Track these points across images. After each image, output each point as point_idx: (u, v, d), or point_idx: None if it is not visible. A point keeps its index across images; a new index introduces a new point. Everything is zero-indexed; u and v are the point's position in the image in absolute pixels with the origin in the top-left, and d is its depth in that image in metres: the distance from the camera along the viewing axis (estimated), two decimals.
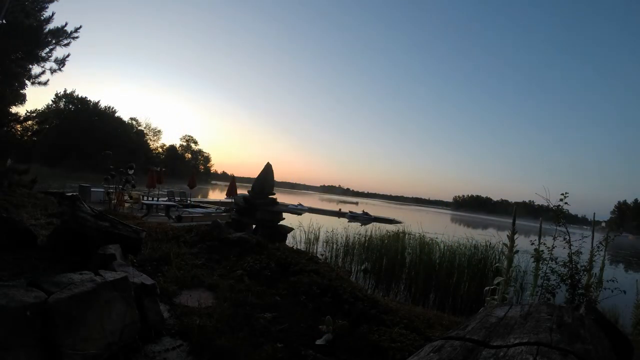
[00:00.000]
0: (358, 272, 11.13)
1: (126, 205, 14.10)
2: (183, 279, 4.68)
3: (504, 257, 4.82)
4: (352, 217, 37.01)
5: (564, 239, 4.07)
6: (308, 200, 61.69)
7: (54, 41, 9.16)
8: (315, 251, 12.22)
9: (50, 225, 5.87)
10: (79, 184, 18.97)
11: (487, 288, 4.66)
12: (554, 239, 4.09)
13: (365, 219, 35.03)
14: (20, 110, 9.81)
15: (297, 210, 34.95)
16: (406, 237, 12.77)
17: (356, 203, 79.00)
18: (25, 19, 8.50)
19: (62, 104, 41.09)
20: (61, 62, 9.57)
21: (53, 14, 9.16)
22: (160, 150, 65.27)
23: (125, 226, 4.86)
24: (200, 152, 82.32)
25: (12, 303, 2.36)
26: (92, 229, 4.19)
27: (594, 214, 5.02)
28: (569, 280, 3.97)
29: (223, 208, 18.40)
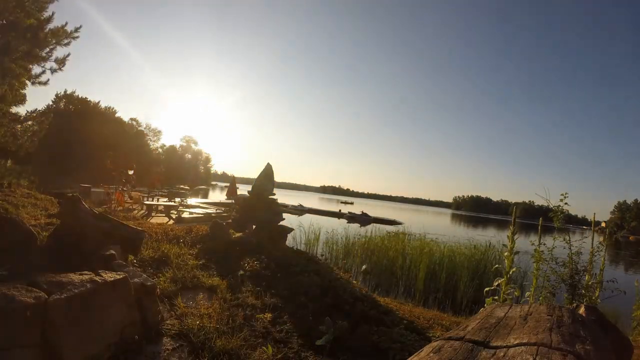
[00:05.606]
0: (358, 272, 11.12)
1: (126, 205, 14.10)
2: (183, 280, 4.67)
3: (503, 257, 4.82)
4: (351, 217, 36.94)
5: (564, 239, 4.07)
6: (308, 201, 61.67)
7: (54, 41, 9.16)
8: (315, 252, 12.21)
9: (50, 226, 5.86)
10: (79, 184, 18.96)
11: (487, 289, 4.65)
12: (554, 239, 4.09)
13: (364, 220, 34.96)
14: (21, 110, 9.81)
15: (298, 210, 34.93)
16: (406, 237, 12.77)
17: (352, 203, 79.87)
18: (26, 18, 8.50)
19: (62, 105, 41.08)
20: (61, 62, 9.57)
21: (53, 13, 9.16)
22: (160, 150, 65.28)
23: (125, 227, 4.86)
24: (200, 152, 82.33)
25: (12, 303, 2.36)
26: (93, 230, 4.19)
27: (594, 214, 5.00)
28: (569, 281, 3.97)
29: (223, 209, 18.40)
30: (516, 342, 1.13)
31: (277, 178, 10.45)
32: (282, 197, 24.75)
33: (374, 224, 23.38)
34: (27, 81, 9.60)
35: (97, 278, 2.94)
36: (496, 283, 4.50)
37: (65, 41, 9.32)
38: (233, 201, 18.09)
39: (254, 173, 11.44)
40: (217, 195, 40.55)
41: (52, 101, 39.69)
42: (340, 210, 43.04)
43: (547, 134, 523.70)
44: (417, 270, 10.32)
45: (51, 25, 9.06)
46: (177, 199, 18.95)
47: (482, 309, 1.87)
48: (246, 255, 6.25)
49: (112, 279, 3.01)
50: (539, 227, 4.66)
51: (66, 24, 9.23)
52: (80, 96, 42.58)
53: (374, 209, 61.94)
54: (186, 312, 3.77)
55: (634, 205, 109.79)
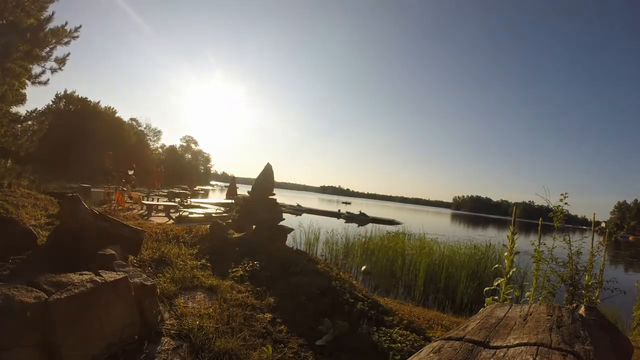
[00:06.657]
0: (358, 272, 11.13)
1: (126, 205, 14.11)
2: (183, 280, 4.67)
3: (503, 257, 4.82)
4: (349, 217, 36.85)
5: (564, 239, 4.07)
6: (307, 201, 61.64)
7: (54, 40, 9.14)
8: (315, 252, 12.22)
9: (50, 226, 5.86)
10: (79, 184, 18.97)
11: (487, 289, 4.65)
12: (554, 239, 4.09)
13: (362, 219, 34.89)
14: (21, 110, 9.80)
15: (295, 210, 34.86)
16: (406, 237, 12.78)
17: (350, 203, 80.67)
18: (26, 18, 8.50)
19: (62, 105, 41.08)
20: (61, 62, 9.55)
21: (53, 13, 9.14)
22: (160, 150, 65.23)
23: (125, 227, 4.86)
24: (200, 152, 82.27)
25: (12, 303, 2.36)
26: (92, 230, 4.19)
27: (594, 214, 5.01)
28: (569, 281, 3.97)
29: (223, 209, 18.38)
30: (516, 342, 1.13)
31: (277, 178, 10.46)
32: (281, 197, 24.72)
33: (374, 224, 23.38)
34: (27, 81, 9.59)
35: (97, 278, 2.94)
36: (496, 283, 4.50)
37: (65, 40, 9.30)
38: (233, 201, 18.08)
39: (254, 173, 11.45)
40: (217, 196, 40.48)
41: (52, 101, 39.71)
42: (339, 210, 42.95)
43: (547, 134, 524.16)
44: (417, 270, 10.33)
45: (51, 25, 9.05)
46: (177, 199, 18.93)
47: (482, 309, 1.87)
48: (246, 256, 6.24)
49: (112, 279, 3.01)
50: (539, 227, 4.67)
51: (66, 23, 9.21)
52: (80, 96, 42.60)
53: (374, 209, 61.94)
54: (186, 312, 3.77)
55: (634, 205, 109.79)
